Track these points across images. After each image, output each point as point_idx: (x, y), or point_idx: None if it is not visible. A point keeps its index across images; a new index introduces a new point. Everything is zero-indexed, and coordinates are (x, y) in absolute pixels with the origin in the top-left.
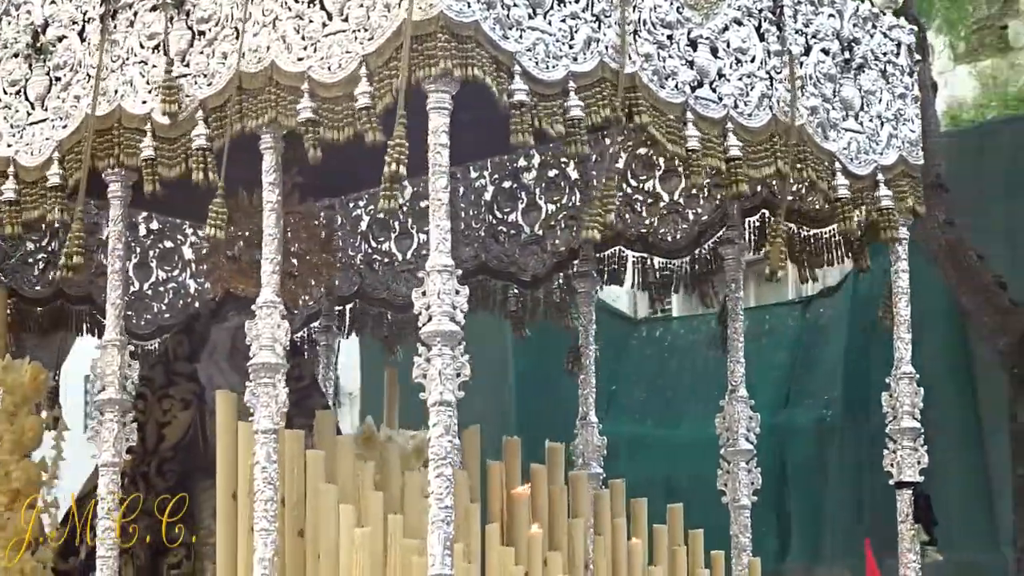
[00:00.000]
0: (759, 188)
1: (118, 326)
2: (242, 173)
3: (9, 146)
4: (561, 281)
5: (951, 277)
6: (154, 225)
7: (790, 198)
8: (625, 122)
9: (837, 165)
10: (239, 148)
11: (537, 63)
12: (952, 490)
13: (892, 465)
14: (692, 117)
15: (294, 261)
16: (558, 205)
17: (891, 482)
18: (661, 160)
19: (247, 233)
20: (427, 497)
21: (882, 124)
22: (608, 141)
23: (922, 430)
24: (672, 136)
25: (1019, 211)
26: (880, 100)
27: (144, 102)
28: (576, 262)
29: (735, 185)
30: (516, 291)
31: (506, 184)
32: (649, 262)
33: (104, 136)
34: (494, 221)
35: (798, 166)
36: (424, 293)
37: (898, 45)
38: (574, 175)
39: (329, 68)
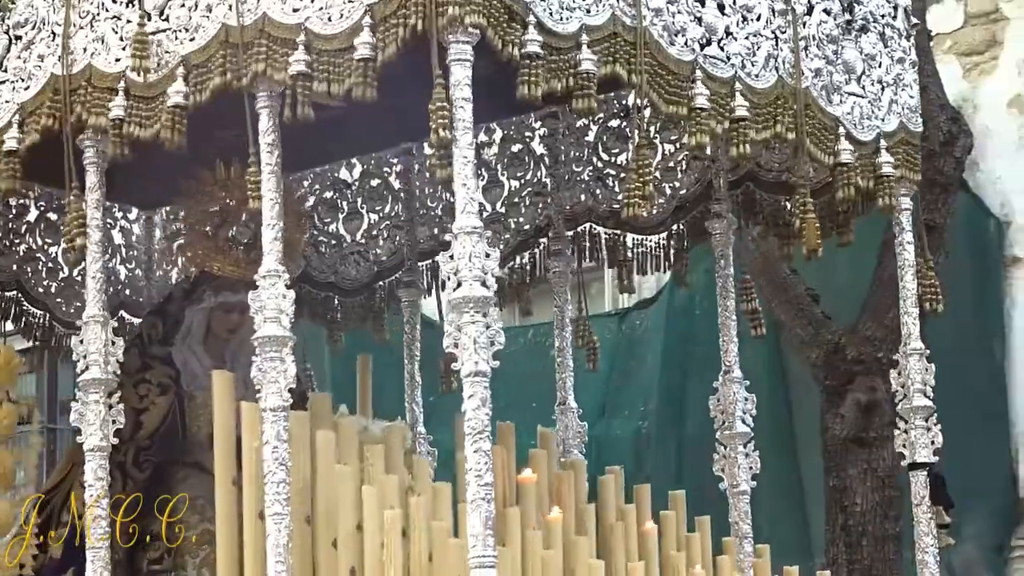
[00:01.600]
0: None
1: (100, 301)
2: (218, 144)
3: None
4: (525, 261)
5: (764, 289)
6: None
7: (776, 167)
8: (632, 79)
9: (841, 130)
10: (218, 115)
11: (551, 14)
12: (766, 500)
13: (904, 446)
14: (701, 76)
15: None
16: (522, 182)
17: (904, 463)
18: (636, 133)
19: (223, 209)
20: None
21: (883, 89)
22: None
23: (934, 408)
24: (673, 97)
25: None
26: (880, 64)
27: (118, 59)
28: (545, 241)
29: (739, 147)
30: None
31: None
32: (622, 239)
33: (71, 97)
34: (451, 199)
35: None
36: (452, 257)
37: (895, 7)
38: (539, 150)
39: (329, 18)
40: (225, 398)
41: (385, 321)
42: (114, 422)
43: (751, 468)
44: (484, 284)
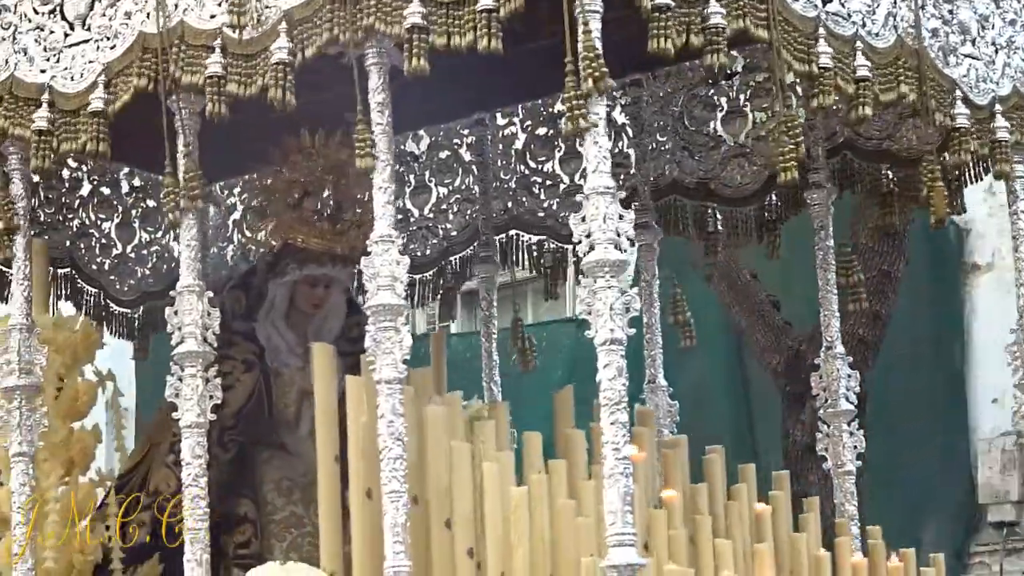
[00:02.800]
0: (837, 128)
1: (194, 270)
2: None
3: (43, 71)
4: None
5: (725, 296)
6: (136, 182)
7: (876, 134)
8: (761, 35)
9: (958, 93)
10: (307, 76)
11: None
12: None
13: None
14: (824, 33)
15: (358, 209)
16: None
17: None
18: (723, 100)
19: (309, 177)
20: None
21: (996, 51)
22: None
23: None
24: (800, 55)
25: (793, 230)
26: (993, 26)
27: (213, 16)
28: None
29: (860, 108)
30: (553, 246)
31: (540, 131)
32: (710, 212)
33: (163, 56)
34: (527, 172)
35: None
36: (584, 219)
37: None
38: (621, 119)
39: None
40: (326, 372)
41: (456, 300)
42: (211, 397)
43: (855, 447)
44: (618, 247)
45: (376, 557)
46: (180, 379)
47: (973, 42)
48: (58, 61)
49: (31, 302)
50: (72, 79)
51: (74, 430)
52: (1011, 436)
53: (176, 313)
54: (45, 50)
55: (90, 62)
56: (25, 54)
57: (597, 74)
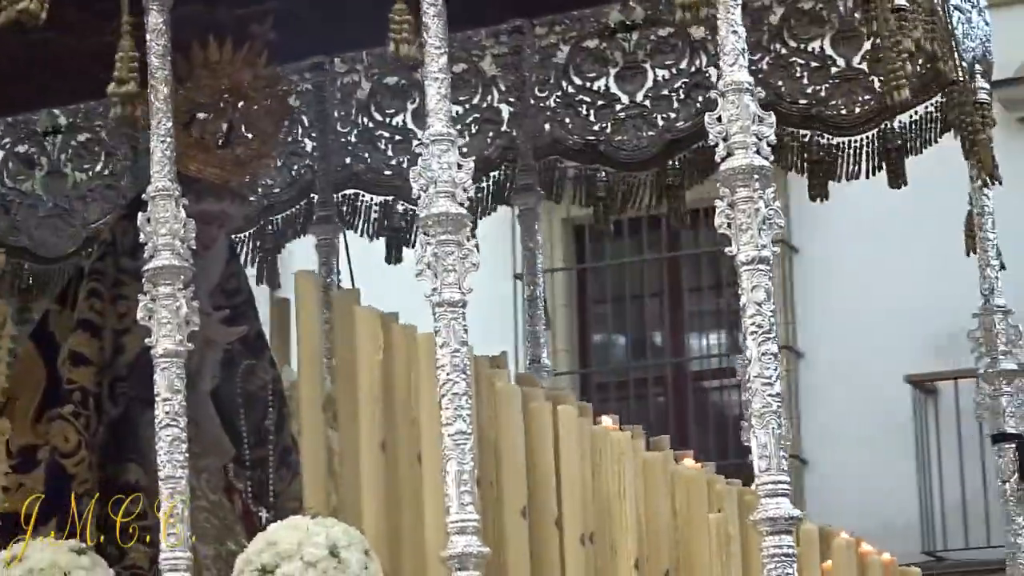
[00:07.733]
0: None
1: (169, 172)
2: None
3: None
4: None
5: None
6: None
7: (803, 102)
8: None
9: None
10: None
11: None
12: None
13: None
14: None
15: (258, 137)
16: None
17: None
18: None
19: (211, 97)
20: None
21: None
22: None
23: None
24: None
25: None
26: None
27: None
28: None
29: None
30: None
31: (389, 81)
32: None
33: None
34: (371, 124)
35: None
36: (719, 119)
37: None
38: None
39: None
40: (310, 302)
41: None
42: (188, 322)
43: None
44: (759, 152)
45: (390, 518)
46: (154, 299)
47: None
48: None
49: None
50: None
51: None
52: None
53: (149, 221)
54: None
55: None
56: None
57: None
